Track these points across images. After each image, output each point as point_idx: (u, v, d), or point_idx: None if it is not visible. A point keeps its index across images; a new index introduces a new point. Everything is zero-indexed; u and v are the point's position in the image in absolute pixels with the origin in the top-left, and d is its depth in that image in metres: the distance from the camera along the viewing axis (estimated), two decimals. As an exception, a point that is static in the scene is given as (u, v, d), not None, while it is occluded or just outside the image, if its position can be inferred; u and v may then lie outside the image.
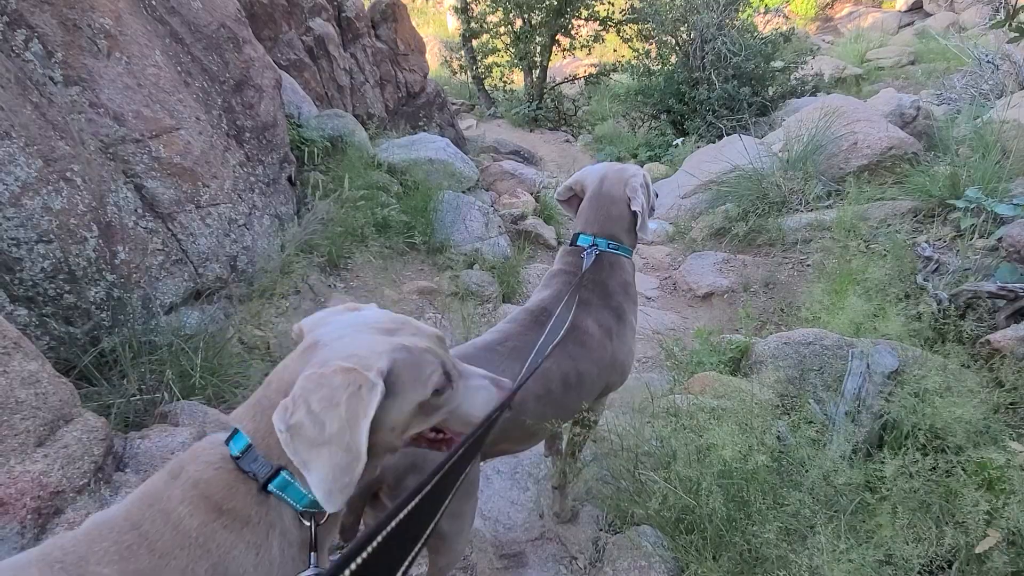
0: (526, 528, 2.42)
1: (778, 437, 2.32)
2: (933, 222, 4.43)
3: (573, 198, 2.38)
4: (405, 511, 0.68)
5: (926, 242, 4.06)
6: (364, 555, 0.60)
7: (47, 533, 1.67)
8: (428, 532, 0.74)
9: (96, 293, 2.88)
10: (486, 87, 13.32)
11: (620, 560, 2.15)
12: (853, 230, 4.50)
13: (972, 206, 4.06)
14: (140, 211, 3.21)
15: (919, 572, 1.84)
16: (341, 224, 4.64)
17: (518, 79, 13.45)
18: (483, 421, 0.92)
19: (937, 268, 3.77)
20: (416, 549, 0.71)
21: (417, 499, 0.71)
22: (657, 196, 2.54)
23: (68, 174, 2.82)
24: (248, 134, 4.12)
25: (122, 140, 3.15)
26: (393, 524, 0.66)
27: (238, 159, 3.94)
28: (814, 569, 1.69)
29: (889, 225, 4.42)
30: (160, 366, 2.85)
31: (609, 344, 2.06)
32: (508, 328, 1.93)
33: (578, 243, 2.19)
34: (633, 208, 2.15)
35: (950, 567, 1.90)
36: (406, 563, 0.68)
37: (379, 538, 0.63)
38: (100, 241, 2.93)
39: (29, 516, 1.65)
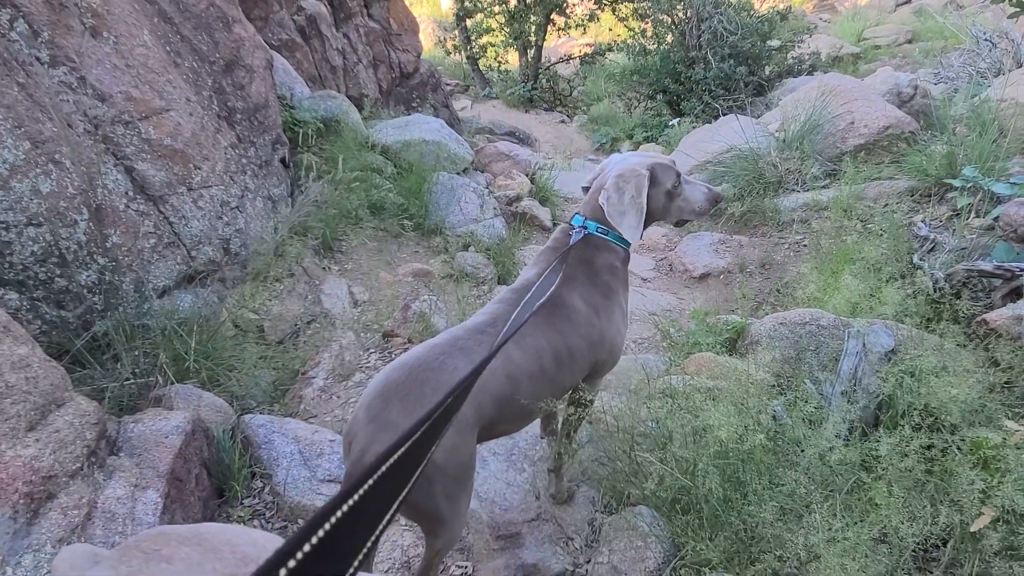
0: (522, 509, 2.42)
1: (774, 417, 2.32)
2: (930, 202, 4.41)
3: None
4: (371, 480, 0.60)
5: (922, 222, 4.05)
6: (323, 530, 0.52)
7: (40, 518, 1.66)
8: (397, 505, 0.66)
9: (88, 277, 2.86)
10: (480, 67, 13.22)
11: (616, 540, 2.16)
12: (849, 210, 4.49)
13: (969, 185, 4.04)
14: (131, 194, 3.18)
15: (913, 550, 1.85)
16: (335, 206, 4.61)
17: (513, 59, 13.35)
18: (462, 382, 0.84)
19: (933, 248, 3.76)
20: (383, 524, 0.62)
21: (385, 467, 0.62)
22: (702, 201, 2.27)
23: (57, 156, 2.78)
24: (239, 115, 4.07)
25: (111, 121, 3.11)
26: (360, 493, 0.57)
27: (229, 140, 3.90)
28: (809, 548, 1.69)
29: (885, 205, 4.40)
30: (154, 350, 2.84)
31: (596, 320, 2.05)
32: (496, 309, 1.93)
33: (572, 222, 2.20)
34: (599, 200, 2.10)
35: (944, 545, 1.91)
36: (373, 537, 0.60)
37: (342, 509, 0.55)
38: (91, 224, 2.90)
39: (21, 501, 1.63)
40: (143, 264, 3.16)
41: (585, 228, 2.13)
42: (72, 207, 2.81)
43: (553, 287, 1.92)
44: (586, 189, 2.34)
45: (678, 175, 2.21)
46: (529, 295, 1.86)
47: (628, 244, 2.20)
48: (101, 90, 3.07)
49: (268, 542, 1.12)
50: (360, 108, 6.25)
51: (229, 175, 3.80)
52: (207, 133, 3.64)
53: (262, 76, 4.41)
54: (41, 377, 1.84)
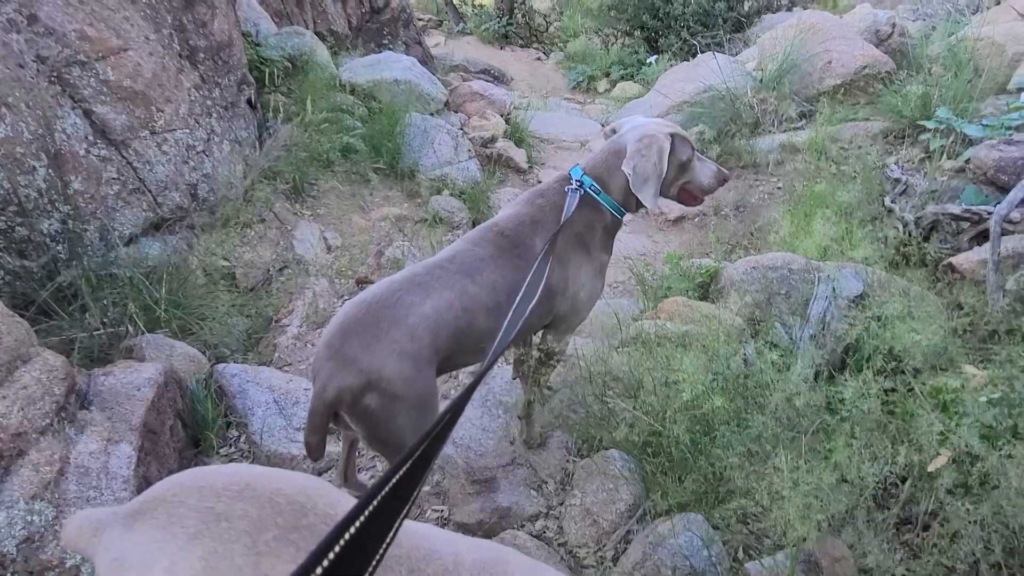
0: (497, 455, 2.46)
1: (744, 360, 2.37)
2: (903, 143, 4.42)
3: None
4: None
5: (895, 164, 4.06)
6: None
7: (11, 475, 1.65)
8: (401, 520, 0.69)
9: (50, 225, 2.79)
10: (454, 2, 12.78)
11: (588, 483, 2.21)
12: (824, 152, 4.48)
13: (942, 127, 4.05)
14: (91, 138, 3.08)
15: (873, 489, 1.92)
16: (305, 149, 4.50)
17: (488, -8, 12.93)
18: (440, 419, 0.82)
19: (905, 190, 3.79)
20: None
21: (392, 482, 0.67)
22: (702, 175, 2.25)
23: (10, 100, 2.67)
24: (202, 54, 3.91)
25: (66, 62, 2.98)
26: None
27: (193, 81, 3.76)
28: (774, 495, 1.75)
29: (860, 147, 4.40)
30: (123, 299, 2.80)
31: (558, 268, 2.04)
32: (458, 246, 1.97)
33: (570, 173, 2.16)
34: (623, 167, 2.04)
35: (903, 483, 1.98)
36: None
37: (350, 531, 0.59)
38: (50, 170, 2.81)
39: (-9, 459, 1.62)
40: (107, 211, 3.08)
41: (581, 184, 2.09)
42: (29, 153, 2.72)
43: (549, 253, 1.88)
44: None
45: (693, 149, 2.20)
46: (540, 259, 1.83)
47: (622, 212, 2.17)
48: (53, 28, 2.93)
49: (311, 485, 1.06)
50: (328, 45, 6.04)
51: (194, 118, 3.68)
52: (168, 74, 3.50)
53: (225, 12, 4.22)
54: (4, 333, 1.80)
